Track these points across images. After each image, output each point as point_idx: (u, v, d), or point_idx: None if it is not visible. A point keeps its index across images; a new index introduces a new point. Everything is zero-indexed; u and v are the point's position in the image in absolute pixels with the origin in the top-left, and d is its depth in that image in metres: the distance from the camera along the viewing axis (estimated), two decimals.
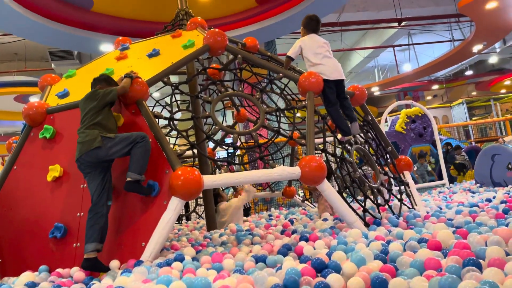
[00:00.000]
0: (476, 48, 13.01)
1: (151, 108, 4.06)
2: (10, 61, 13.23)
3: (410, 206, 4.42)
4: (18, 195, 3.57)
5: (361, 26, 13.43)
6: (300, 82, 3.97)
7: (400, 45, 15.88)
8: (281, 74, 4.23)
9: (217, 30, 4.22)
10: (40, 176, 3.55)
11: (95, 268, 2.93)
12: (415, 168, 9.43)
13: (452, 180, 9.30)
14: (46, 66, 12.49)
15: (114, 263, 2.93)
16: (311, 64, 4.12)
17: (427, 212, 4.19)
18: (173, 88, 3.96)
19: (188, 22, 4.90)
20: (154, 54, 4.28)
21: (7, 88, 12.25)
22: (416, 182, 9.53)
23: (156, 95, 12.97)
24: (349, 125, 4.14)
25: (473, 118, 20.48)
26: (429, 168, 9.71)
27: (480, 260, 2.09)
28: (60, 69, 11.01)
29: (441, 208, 4.62)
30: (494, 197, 5.01)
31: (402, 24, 12.44)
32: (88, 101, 3.27)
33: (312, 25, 4.27)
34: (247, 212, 5.33)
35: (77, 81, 4.42)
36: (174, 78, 11.18)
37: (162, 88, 5.13)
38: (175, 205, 2.99)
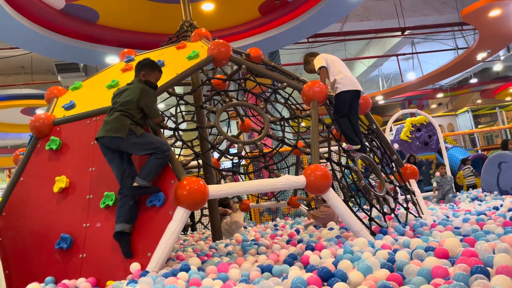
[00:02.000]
0: (480, 56, 12.99)
1: None
2: (17, 74, 13.36)
3: (417, 215, 4.39)
4: (25, 207, 3.59)
5: (364, 36, 13.47)
6: (304, 92, 4.00)
7: (404, 54, 15.89)
8: (285, 84, 4.26)
9: (221, 41, 4.25)
10: (47, 187, 3.57)
11: (122, 242, 3.07)
12: (435, 184, 7.82)
13: (458, 188, 9.22)
14: (52, 79, 12.60)
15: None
16: (335, 74, 4.25)
17: (434, 221, 4.17)
18: (178, 98, 3.99)
19: (193, 34, 4.94)
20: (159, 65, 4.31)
21: (14, 101, 12.39)
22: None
23: (161, 106, 13.07)
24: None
25: (479, 126, 20.39)
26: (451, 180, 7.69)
27: (488, 268, 2.08)
28: (66, 82, 11.11)
29: (448, 217, 4.59)
30: (501, 205, 4.98)
31: (406, 33, 12.46)
32: (139, 95, 3.26)
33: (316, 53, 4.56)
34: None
35: (83, 93, 4.47)
36: (179, 89, 11.27)
37: (167, 99, 5.18)
38: (180, 215, 3.00)
